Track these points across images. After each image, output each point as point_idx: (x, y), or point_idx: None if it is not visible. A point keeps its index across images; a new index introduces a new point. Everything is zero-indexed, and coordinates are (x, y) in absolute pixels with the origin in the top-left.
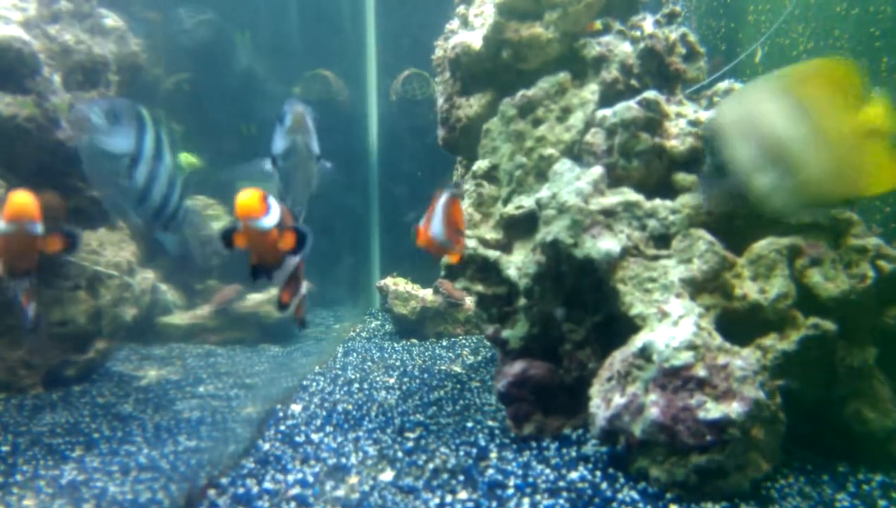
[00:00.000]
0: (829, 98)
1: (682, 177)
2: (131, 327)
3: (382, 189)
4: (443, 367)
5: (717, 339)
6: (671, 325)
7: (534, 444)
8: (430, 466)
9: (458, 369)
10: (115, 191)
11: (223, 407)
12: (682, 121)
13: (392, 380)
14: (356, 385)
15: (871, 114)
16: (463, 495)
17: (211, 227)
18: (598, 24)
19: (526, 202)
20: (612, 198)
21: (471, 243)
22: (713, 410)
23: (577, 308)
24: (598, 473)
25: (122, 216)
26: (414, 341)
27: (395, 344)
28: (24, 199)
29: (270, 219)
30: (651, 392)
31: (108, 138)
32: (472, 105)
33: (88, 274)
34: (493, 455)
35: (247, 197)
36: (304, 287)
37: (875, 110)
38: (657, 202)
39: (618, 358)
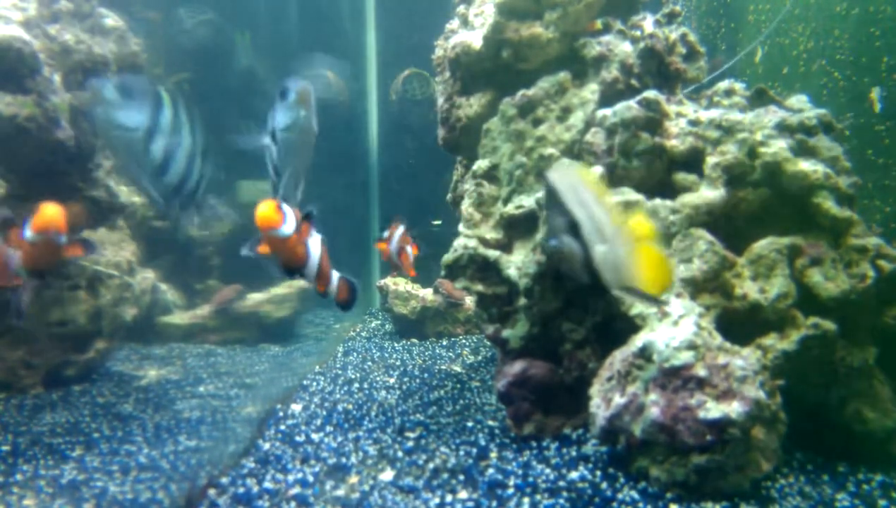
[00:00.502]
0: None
1: (683, 177)
2: (131, 327)
3: (382, 188)
4: (443, 367)
5: (718, 339)
6: (671, 325)
7: (534, 444)
8: (431, 466)
9: (458, 369)
10: (132, 163)
11: (223, 407)
12: (682, 121)
13: (392, 380)
14: (356, 384)
15: (636, 222)
16: (463, 494)
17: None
18: (598, 24)
19: (526, 202)
20: (611, 198)
21: (471, 243)
22: (713, 410)
23: (577, 308)
24: (599, 473)
25: (141, 189)
26: (414, 341)
27: (396, 344)
28: (53, 212)
29: (289, 227)
30: (651, 391)
31: (120, 111)
32: (472, 105)
33: (88, 274)
34: (494, 454)
35: (264, 209)
36: (335, 275)
37: (638, 218)
38: (657, 202)
39: (618, 358)
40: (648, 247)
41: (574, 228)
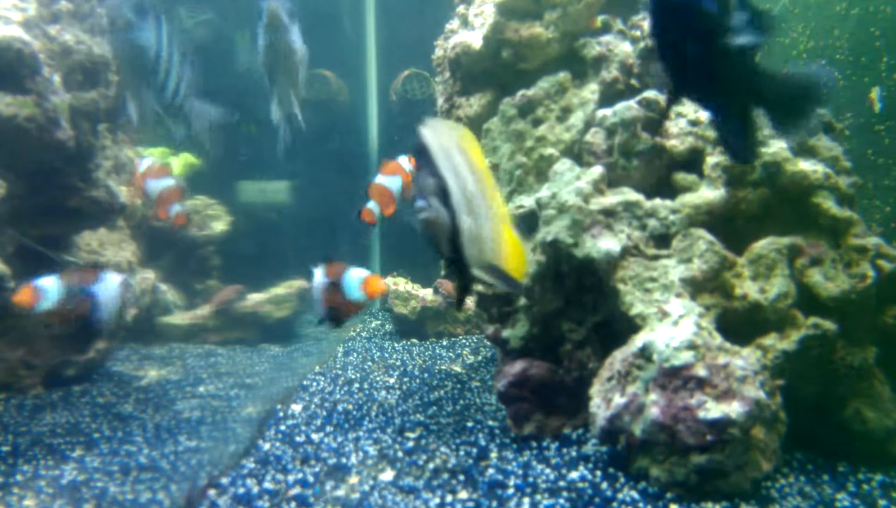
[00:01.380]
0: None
1: (683, 177)
2: (131, 327)
3: None
4: (443, 367)
5: (718, 339)
6: (671, 325)
7: (534, 444)
8: (431, 466)
9: (458, 369)
10: (144, 84)
11: (223, 407)
12: (682, 121)
13: (392, 380)
14: (356, 385)
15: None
16: (463, 495)
17: (215, 111)
18: (599, 21)
19: (526, 202)
20: (612, 198)
21: None
22: (713, 410)
23: (578, 308)
24: (599, 473)
25: (144, 110)
26: (414, 341)
27: (396, 344)
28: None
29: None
30: (651, 391)
31: (141, 33)
32: (472, 105)
33: None
34: (494, 454)
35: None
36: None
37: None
38: (657, 201)
39: (618, 358)
40: (509, 229)
41: (444, 194)
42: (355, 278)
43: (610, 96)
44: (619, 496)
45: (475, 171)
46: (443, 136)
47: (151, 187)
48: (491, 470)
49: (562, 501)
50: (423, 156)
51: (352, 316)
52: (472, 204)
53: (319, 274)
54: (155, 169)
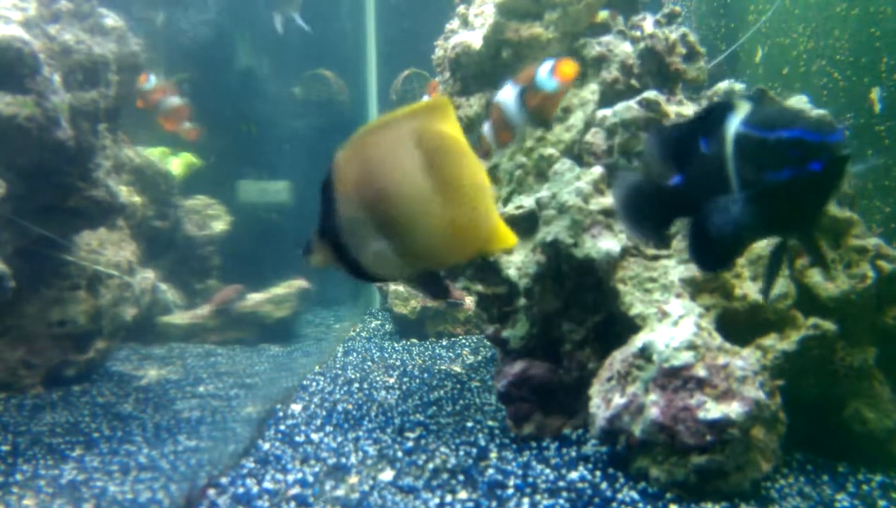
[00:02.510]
0: (461, 144)
1: None
2: (131, 327)
3: None
4: (443, 367)
5: (718, 339)
6: (671, 325)
7: (534, 444)
8: (430, 466)
9: (458, 369)
10: None
11: (223, 407)
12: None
13: (392, 380)
14: (356, 384)
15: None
16: (463, 495)
17: None
18: (600, 17)
19: (526, 202)
20: (612, 198)
21: None
22: (713, 410)
23: (577, 308)
24: (598, 473)
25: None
26: (414, 341)
27: (395, 344)
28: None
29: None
30: (651, 392)
31: None
32: (472, 105)
33: (88, 273)
34: (493, 454)
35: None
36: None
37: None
38: None
39: (618, 358)
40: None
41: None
42: (544, 71)
43: (610, 96)
44: (619, 496)
45: (404, 185)
46: (367, 153)
47: (163, 105)
48: (491, 470)
49: (561, 501)
50: (324, 190)
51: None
52: (390, 223)
53: (508, 87)
54: (162, 86)
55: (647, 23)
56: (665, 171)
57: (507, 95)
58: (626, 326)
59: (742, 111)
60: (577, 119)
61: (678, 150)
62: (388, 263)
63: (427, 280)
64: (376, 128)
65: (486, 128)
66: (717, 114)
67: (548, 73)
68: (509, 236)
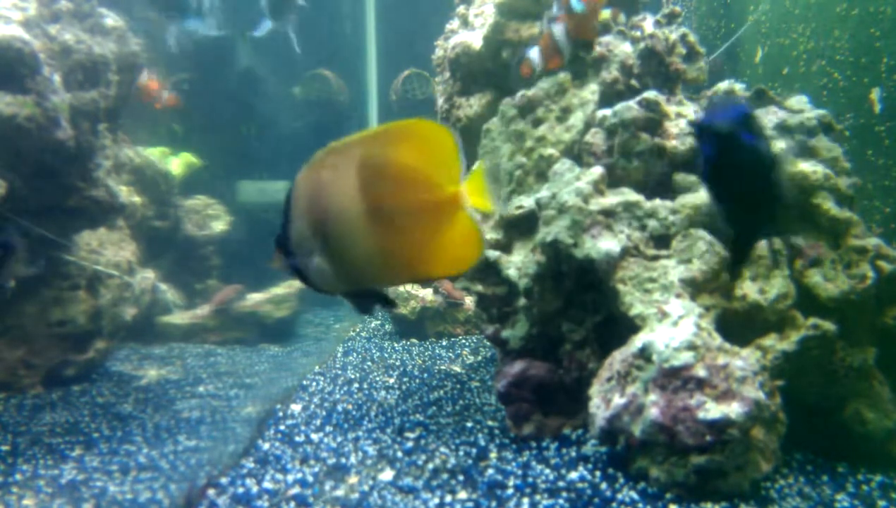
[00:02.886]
0: (429, 162)
1: (683, 178)
2: (131, 327)
3: None
4: (442, 367)
5: (717, 339)
6: (671, 325)
7: (533, 444)
8: (430, 466)
9: (457, 369)
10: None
11: (223, 407)
12: (682, 122)
13: (392, 380)
14: (356, 384)
15: (466, 189)
16: (462, 495)
17: None
18: (603, 15)
19: (526, 202)
20: (611, 199)
21: None
22: (713, 410)
23: (577, 308)
24: (598, 473)
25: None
26: (414, 341)
27: (395, 344)
28: None
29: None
30: (651, 392)
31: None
32: (472, 105)
33: (88, 273)
34: (493, 455)
35: None
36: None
37: (471, 185)
38: (657, 202)
39: (617, 359)
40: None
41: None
42: None
43: (610, 96)
44: (619, 496)
45: (340, 208)
46: (319, 174)
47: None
48: (490, 471)
49: (561, 501)
50: (285, 204)
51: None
52: (328, 243)
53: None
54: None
55: (647, 23)
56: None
57: (556, 22)
58: (625, 326)
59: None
60: (576, 119)
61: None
62: (327, 278)
63: (360, 296)
64: (333, 150)
65: (534, 52)
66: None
67: None
68: (458, 263)
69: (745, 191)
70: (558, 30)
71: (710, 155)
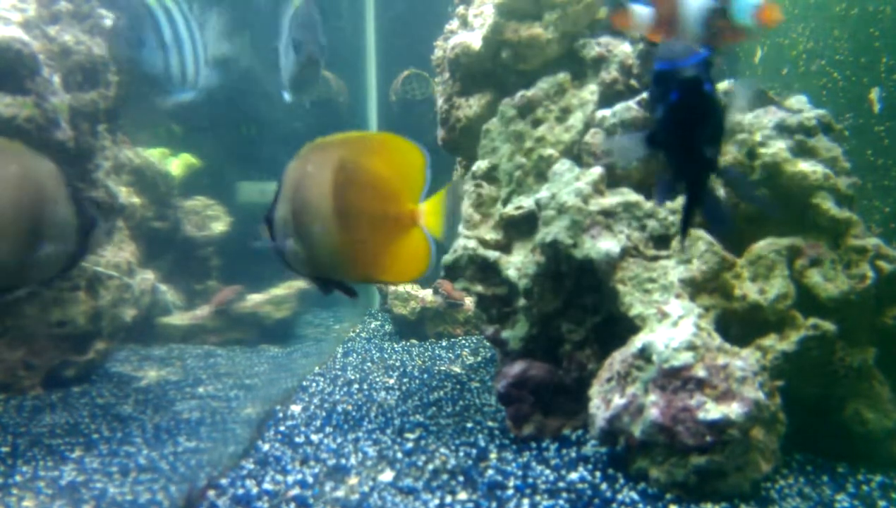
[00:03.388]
0: (395, 174)
1: None
2: (131, 328)
3: None
4: (442, 368)
5: (717, 340)
6: (671, 326)
7: (533, 445)
8: (430, 467)
9: (457, 369)
10: (158, 77)
11: (223, 408)
12: None
13: (392, 381)
14: (356, 385)
15: (424, 209)
16: (462, 496)
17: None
18: (602, 12)
19: (525, 202)
20: (611, 199)
21: (471, 244)
22: (713, 411)
23: (577, 308)
24: (598, 474)
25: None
26: (413, 341)
27: (395, 345)
28: None
29: None
30: (651, 392)
31: (142, 64)
32: (471, 105)
33: (88, 274)
34: (493, 455)
35: None
36: None
37: (430, 207)
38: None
39: (617, 359)
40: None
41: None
42: (747, 2)
43: (609, 97)
44: (619, 497)
45: (315, 202)
46: (305, 166)
47: None
48: (490, 471)
49: (561, 502)
50: (278, 184)
51: (734, 42)
52: (301, 229)
53: None
54: None
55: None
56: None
57: (698, 2)
58: (625, 327)
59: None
60: (576, 119)
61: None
62: (298, 261)
63: (324, 283)
64: (318, 147)
65: (644, 11)
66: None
67: (751, 7)
68: (405, 274)
69: (698, 139)
70: (696, 8)
71: (673, 102)
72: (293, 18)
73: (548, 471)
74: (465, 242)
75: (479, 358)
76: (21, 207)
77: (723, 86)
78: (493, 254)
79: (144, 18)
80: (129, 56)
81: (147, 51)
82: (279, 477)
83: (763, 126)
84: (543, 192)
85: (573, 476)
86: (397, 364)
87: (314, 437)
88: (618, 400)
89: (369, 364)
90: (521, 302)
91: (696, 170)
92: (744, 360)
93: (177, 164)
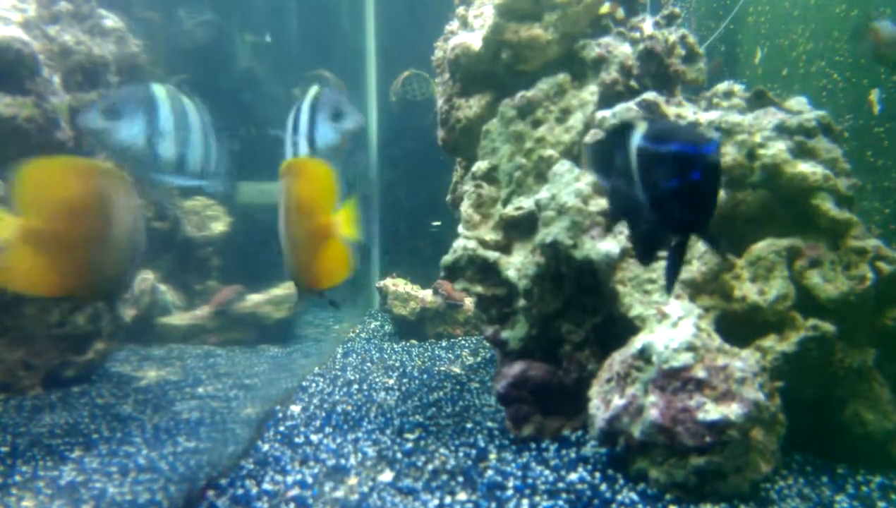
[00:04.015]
0: (309, 196)
1: None
2: (130, 328)
3: (382, 189)
4: (442, 368)
5: (717, 341)
6: (670, 327)
7: (533, 445)
8: (430, 467)
9: (457, 370)
10: (146, 169)
11: (222, 408)
12: (681, 123)
13: (391, 381)
14: (355, 386)
15: (338, 219)
16: (462, 496)
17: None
18: (603, 9)
19: (525, 203)
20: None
21: (470, 244)
22: (712, 411)
23: (577, 309)
24: (598, 474)
25: (163, 189)
26: (413, 342)
27: (395, 345)
28: None
29: None
30: (650, 393)
31: (113, 134)
32: (471, 106)
33: None
34: (493, 456)
35: None
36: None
37: (343, 216)
38: None
39: (617, 360)
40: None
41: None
42: None
43: (609, 98)
44: (619, 497)
45: (289, 207)
46: (291, 172)
47: None
48: (490, 472)
49: (561, 502)
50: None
51: None
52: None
53: None
54: None
55: (647, 24)
56: (600, 179)
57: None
58: (625, 327)
59: (642, 127)
60: (576, 120)
61: (605, 162)
62: (286, 258)
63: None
64: (289, 167)
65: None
66: (624, 130)
67: None
68: (331, 278)
69: (709, 216)
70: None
71: (693, 181)
72: (319, 107)
73: (547, 472)
74: (464, 243)
75: (479, 359)
76: (135, 231)
77: (722, 87)
78: (492, 255)
79: (139, 99)
80: (96, 123)
81: (123, 124)
82: (278, 478)
83: (763, 127)
84: (543, 193)
85: (573, 476)
86: (397, 364)
87: (314, 437)
88: (617, 401)
89: (369, 364)
90: (521, 302)
91: (688, 234)
92: (743, 361)
93: None
